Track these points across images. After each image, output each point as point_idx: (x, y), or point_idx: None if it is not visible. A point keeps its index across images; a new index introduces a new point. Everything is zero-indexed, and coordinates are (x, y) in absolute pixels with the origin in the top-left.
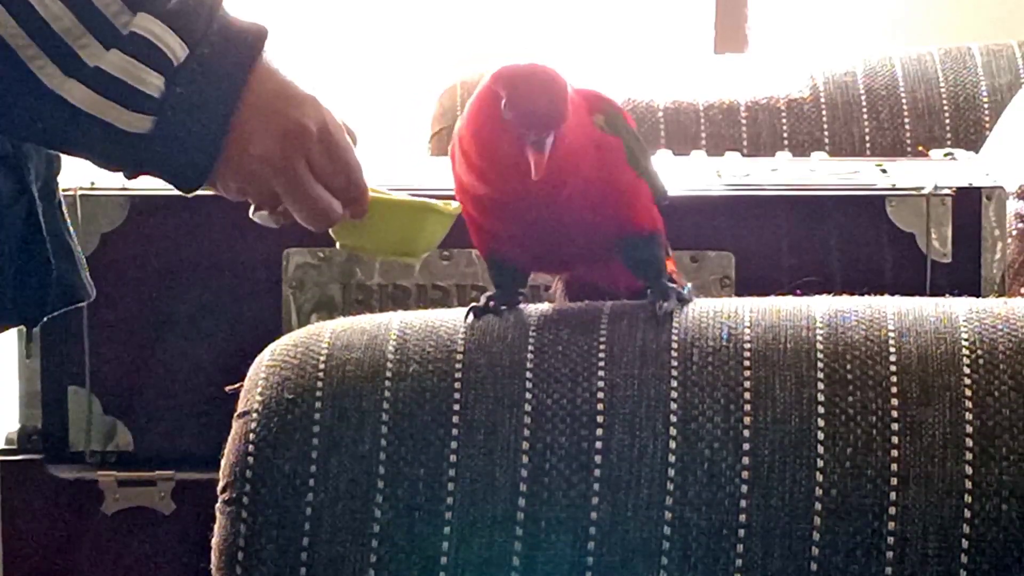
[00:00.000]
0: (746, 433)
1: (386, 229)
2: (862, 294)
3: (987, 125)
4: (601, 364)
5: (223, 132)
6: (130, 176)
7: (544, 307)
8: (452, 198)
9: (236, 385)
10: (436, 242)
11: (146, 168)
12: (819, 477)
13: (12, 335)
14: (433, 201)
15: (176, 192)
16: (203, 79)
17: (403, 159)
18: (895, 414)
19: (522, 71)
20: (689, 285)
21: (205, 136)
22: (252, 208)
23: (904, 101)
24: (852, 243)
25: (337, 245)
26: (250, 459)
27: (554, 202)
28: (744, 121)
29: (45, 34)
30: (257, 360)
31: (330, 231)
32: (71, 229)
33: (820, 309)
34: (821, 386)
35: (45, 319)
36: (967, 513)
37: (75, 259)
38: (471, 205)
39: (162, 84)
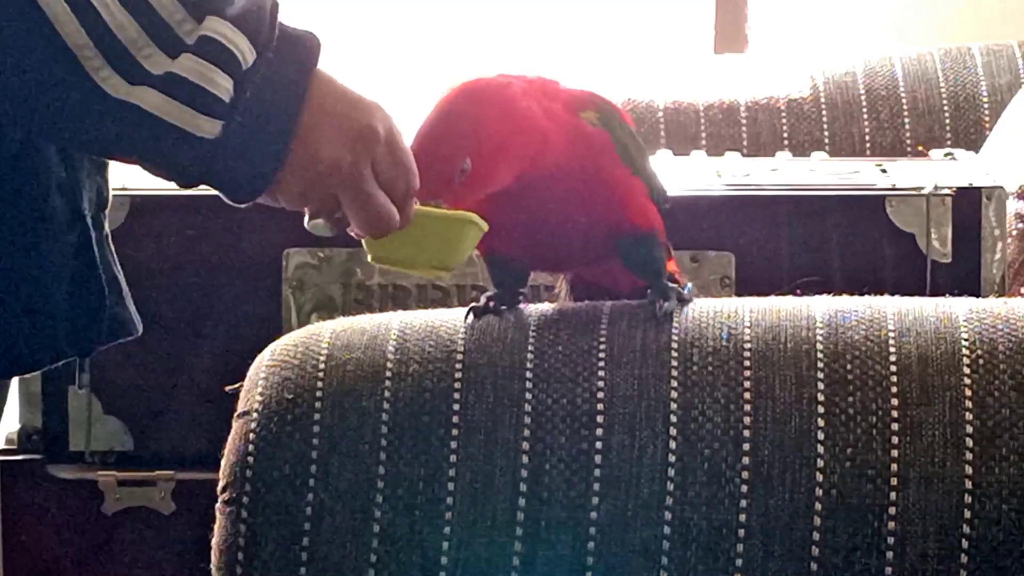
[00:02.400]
0: (746, 433)
1: (425, 241)
2: (862, 294)
3: (987, 125)
4: (601, 364)
5: (289, 137)
6: (185, 185)
7: (544, 307)
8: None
9: (236, 385)
10: (468, 253)
11: (208, 175)
12: (819, 477)
13: None
14: (470, 213)
15: (176, 192)
16: (269, 83)
17: None
18: (895, 414)
19: (428, 115)
20: (690, 285)
21: (271, 141)
22: (307, 217)
23: (904, 101)
24: (852, 243)
25: (368, 258)
26: (250, 459)
27: (540, 191)
28: (744, 121)
29: (109, 43)
30: (257, 360)
31: (364, 244)
32: (118, 263)
33: (820, 309)
34: (821, 386)
35: (96, 351)
36: (967, 513)
37: (123, 292)
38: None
39: (231, 87)
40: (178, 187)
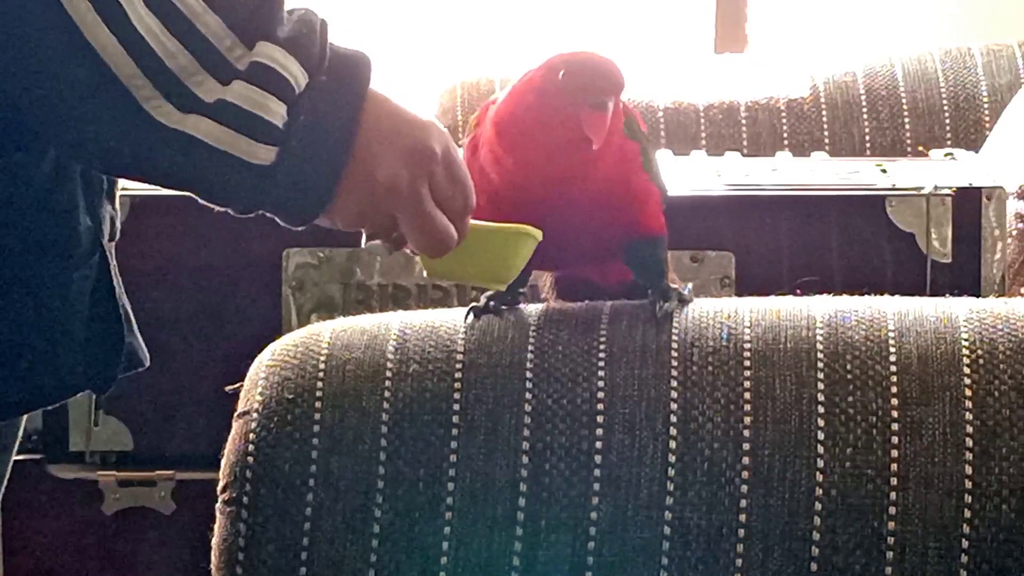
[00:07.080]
0: (746, 433)
1: (481, 255)
2: (862, 294)
3: (987, 125)
4: (601, 364)
5: (345, 159)
6: (241, 213)
7: (544, 307)
8: None
9: (236, 385)
10: (524, 265)
11: (264, 202)
12: (819, 477)
13: None
14: (524, 225)
15: (176, 192)
16: (323, 107)
17: None
18: (895, 414)
19: (575, 53)
20: (689, 285)
21: (327, 165)
22: (364, 239)
23: (904, 101)
24: (852, 243)
25: (424, 274)
26: (250, 459)
27: (574, 197)
28: (744, 121)
29: (160, 72)
30: (257, 360)
31: (419, 260)
32: (124, 291)
33: (820, 309)
34: (821, 386)
35: (112, 386)
36: (967, 513)
37: (132, 323)
38: (484, 200)
39: (285, 113)
40: (235, 214)
